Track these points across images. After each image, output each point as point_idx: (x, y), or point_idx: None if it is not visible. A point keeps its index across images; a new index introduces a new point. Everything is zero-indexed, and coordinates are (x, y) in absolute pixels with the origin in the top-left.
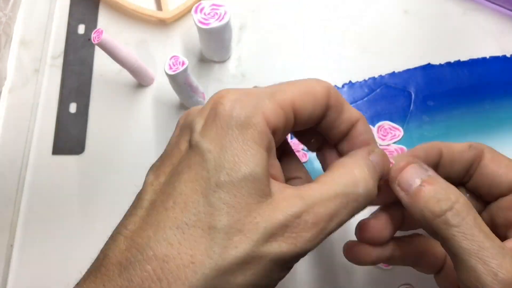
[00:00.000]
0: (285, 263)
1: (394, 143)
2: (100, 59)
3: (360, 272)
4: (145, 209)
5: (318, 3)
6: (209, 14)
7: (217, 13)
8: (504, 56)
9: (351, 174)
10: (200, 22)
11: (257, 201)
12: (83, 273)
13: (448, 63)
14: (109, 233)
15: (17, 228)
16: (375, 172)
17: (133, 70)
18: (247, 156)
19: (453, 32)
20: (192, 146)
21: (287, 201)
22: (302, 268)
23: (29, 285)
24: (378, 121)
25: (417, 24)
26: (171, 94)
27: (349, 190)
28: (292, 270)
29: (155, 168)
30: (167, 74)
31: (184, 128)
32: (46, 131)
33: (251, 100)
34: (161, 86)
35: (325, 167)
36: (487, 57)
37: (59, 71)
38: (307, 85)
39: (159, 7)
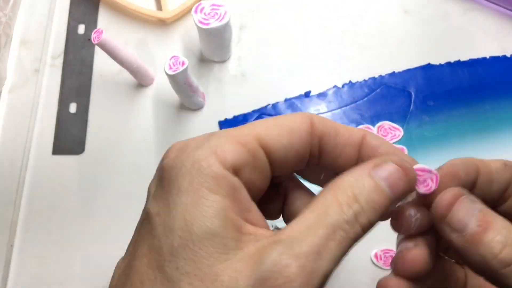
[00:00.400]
0: None
1: (394, 143)
2: (100, 59)
3: (360, 272)
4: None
5: (318, 3)
6: (209, 14)
7: (217, 13)
8: (504, 56)
9: (335, 199)
10: (200, 22)
11: (224, 259)
12: (85, 273)
13: (448, 63)
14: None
15: (17, 228)
16: (376, 192)
17: (133, 70)
18: (200, 210)
19: (453, 32)
20: (145, 214)
21: (262, 250)
22: None
23: (29, 285)
24: (378, 121)
25: (417, 24)
26: (171, 94)
27: (333, 218)
28: None
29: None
30: (167, 74)
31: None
32: (46, 131)
33: (199, 144)
34: (161, 86)
35: None
36: (487, 57)
37: (59, 71)
38: (279, 119)
39: (159, 7)
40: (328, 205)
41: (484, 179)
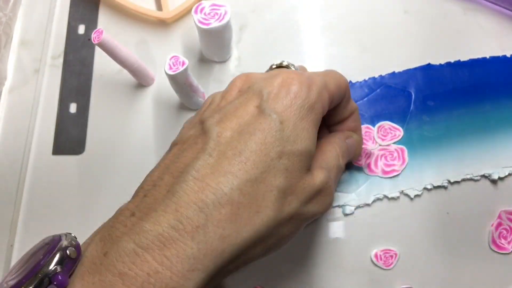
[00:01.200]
0: (310, 221)
1: (394, 143)
2: (100, 59)
3: (360, 272)
4: (215, 157)
5: (318, 3)
6: (209, 14)
7: (217, 13)
8: (504, 56)
9: (336, 151)
10: (200, 22)
11: (305, 171)
12: None
13: (448, 63)
14: None
15: (17, 228)
16: (346, 152)
17: (133, 70)
18: (308, 135)
19: (453, 32)
20: (263, 113)
21: (319, 172)
22: (302, 268)
23: None
24: (378, 121)
25: (417, 24)
26: (171, 94)
27: (336, 162)
28: (291, 270)
29: (217, 121)
30: (167, 74)
31: (249, 93)
32: (46, 131)
33: (315, 88)
34: (161, 86)
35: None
36: (487, 57)
37: (59, 71)
38: (339, 78)
39: (159, 7)
40: (335, 153)
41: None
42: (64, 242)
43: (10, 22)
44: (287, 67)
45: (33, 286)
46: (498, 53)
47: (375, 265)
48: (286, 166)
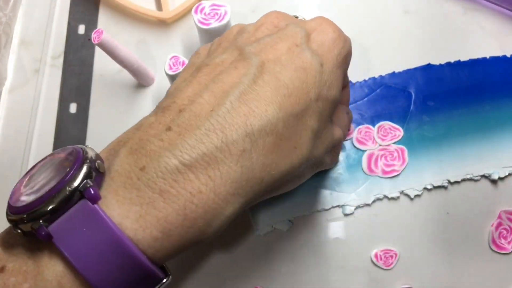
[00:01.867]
0: (319, 169)
1: (394, 143)
2: (100, 59)
3: (360, 272)
4: (260, 85)
5: (318, 3)
6: (209, 14)
7: (217, 13)
8: (504, 56)
9: (344, 121)
10: (200, 22)
11: (330, 120)
12: None
13: (448, 63)
14: None
15: None
16: (347, 126)
17: (133, 70)
18: (339, 84)
19: (453, 32)
20: (304, 51)
21: (337, 128)
22: (302, 268)
23: None
24: (378, 121)
25: (417, 24)
26: None
27: (345, 123)
28: (291, 270)
29: (258, 50)
30: (167, 74)
31: (288, 30)
32: (46, 131)
33: (349, 41)
34: (161, 86)
35: None
36: (487, 57)
37: (59, 71)
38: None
39: (159, 7)
40: (340, 116)
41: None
42: (90, 154)
43: (10, 22)
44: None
45: (59, 200)
46: (498, 53)
47: (375, 265)
48: (320, 109)
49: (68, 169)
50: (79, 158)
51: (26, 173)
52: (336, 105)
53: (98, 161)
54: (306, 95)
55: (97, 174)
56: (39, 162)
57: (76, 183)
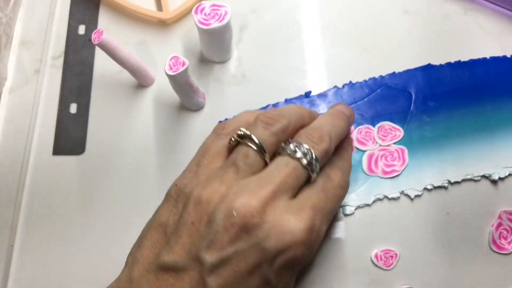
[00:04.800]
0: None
1: (394, 143)
2: (101, 60)
3: (360, 272)
4: None
5: (318, 3)
6: (209, 14)
7: (217, 14)
8: (504, 56)
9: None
10: (201, 22)
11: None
12: (86, 273)
13: (449, 64)
14: (109, 233)
15: (17, 228)
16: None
17: (134, 71)
18: (291, 285)
19: (453, 32)
20: (263, 277)
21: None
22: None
23: (29, 285)
24: (378, 121)
25: (417, 24)
26: (171, 94)
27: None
28: None
29: (215, 266)
30: (167, 74)
31: (248, 241)
32: (47, 132)
33: (317, 242)
34: (161, 86)
35: None
36: (487, 57)
37: (59, 71)
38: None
39: (159, 7)
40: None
41: None
42: None
43: (11, 22)
44: (249, 138)
45: None
46: (498, 53)
47: (375, 265)
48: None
49: None
50: None
51: None
52: None
53: None
54: None
55: None
56: None
57: None
